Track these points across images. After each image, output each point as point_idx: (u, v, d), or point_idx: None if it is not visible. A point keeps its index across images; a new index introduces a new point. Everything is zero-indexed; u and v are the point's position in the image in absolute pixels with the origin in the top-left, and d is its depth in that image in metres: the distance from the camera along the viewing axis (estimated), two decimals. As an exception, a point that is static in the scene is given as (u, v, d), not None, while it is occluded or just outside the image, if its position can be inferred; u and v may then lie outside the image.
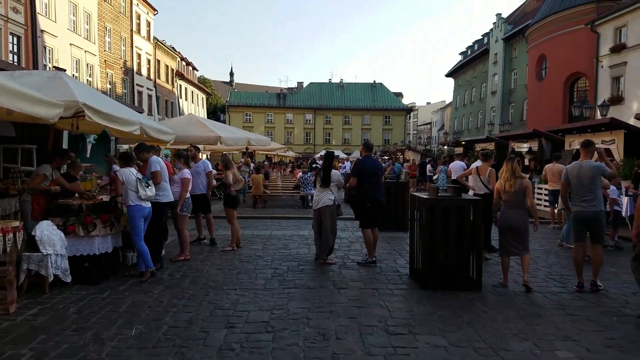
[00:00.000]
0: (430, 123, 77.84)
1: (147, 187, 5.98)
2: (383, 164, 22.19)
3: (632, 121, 14.08)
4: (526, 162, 17.78)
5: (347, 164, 25.95)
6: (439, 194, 6.00)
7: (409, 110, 67.22)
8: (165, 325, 4.46)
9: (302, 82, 68.77)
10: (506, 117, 37.31)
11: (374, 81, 67.49)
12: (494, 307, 5.20)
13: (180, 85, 44.72)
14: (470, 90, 48.28)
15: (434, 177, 17.25)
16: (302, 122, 64.09)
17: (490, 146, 20.68)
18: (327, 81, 68.30)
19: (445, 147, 29.11)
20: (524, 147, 18.16)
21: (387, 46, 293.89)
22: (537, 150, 16.89)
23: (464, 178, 8.15)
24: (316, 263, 7.11)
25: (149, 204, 6.07)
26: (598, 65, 25.66)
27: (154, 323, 4.52)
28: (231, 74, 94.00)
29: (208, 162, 8.50)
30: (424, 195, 6.17)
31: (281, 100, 64.71)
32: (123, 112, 6.75)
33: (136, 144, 6.99)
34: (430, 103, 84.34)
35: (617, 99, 23.65)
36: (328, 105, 64.06)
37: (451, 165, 13.65)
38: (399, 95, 69.69)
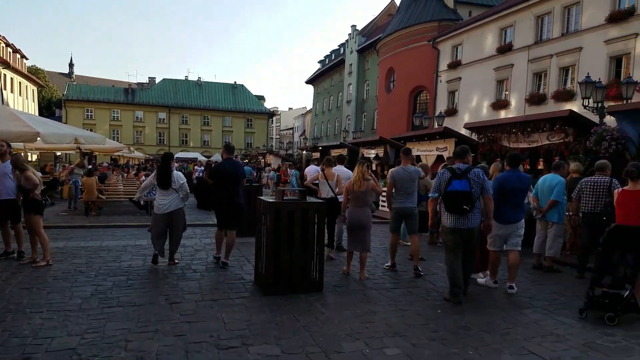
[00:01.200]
0: (292, 128, 79.58)
1: None
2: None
3: (463, 131, 15.78)
4: (374, 167, 18.98)
5: (207, 167, 24.89)
6: (284, 198, 5.88)
7: (271, 114, 67.68)
8: None
9: (155, 78, 64.52)
10: (360, 125, 39.72)
11: (235, 82, 66.19)
12: (332, 307, 5.17)
13: (5, 75, 38.69)
14: (329, 98, 50.48)
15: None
16: (155, 120, 59.75)
17: (344, 152, 21.65)
18: (184, 78, 64.83)
19: (304, 152, 29.81)
20: (372, 153, 19.33)
21: (248, 47, 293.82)
22: (383, 156, 18.11)
23: (313, 183, 8.42)
24: (150, 275, 6.42)
25: None
26: (437, 80, 28.67)
27: None
28: (70, 65, 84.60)
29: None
30: (269, 199, 6.01)
31: (130, 96, 59.45)
32: None
33: None
34: (292, 108, 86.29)
35: (452, 111, 26.66)
36: (184, 104, 60.74)
37: (307, 169, 13.89)
38: (261, 98, 69.80)
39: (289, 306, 5.15)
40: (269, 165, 29.51)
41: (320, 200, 6.08)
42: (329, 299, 5.52)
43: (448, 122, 23.37)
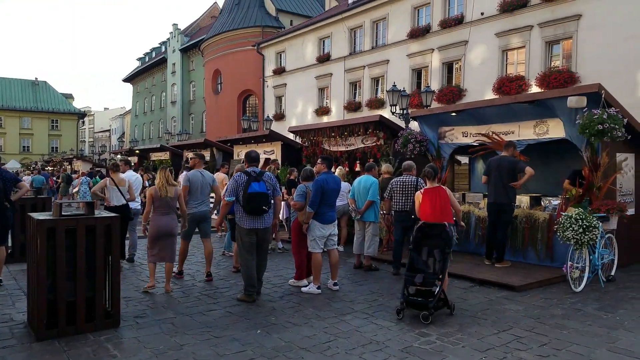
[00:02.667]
0: (109, 130, 72.39)
1: None
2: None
3: (291, 136, 15.83)
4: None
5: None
6: (63, 213, 4.67)
7: (82, 114, 60.15)
8: None
9: None
10: (187, 128, 37.81)
11: (36, 78, 57.19)
12: (128, 347, 4.22)
13: None
14: (150, 98, 47.13)
15: (74, 191, 15.10)
16: None
17: (165, 155, 20.05)
18: (-31, 73, 53.89)
19: (119, 156, 26.88)
20: (197, 156, 18.27)
21: (54, 40, 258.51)
22: (210, 160, 17.23)
23: (100, 191, 7.67)
24: None
25: None
26: (265, 85, 28.75)
27: None
28: None
29: None
30: (41, 215, 4.71)
31: None
32: None
33: None
34: (108, 109, 78.51)
35: (280, 116, 26.98)
36: (-30, 103, 50.32)
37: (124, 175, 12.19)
38: (69, 97, 61.63)
39: (69, 352, 4.04)
40: (76, 172, 25.79)
41: (113, 215, 5.01)
42: (126, 335, 4.52)
43: (277, 127, 23.49)
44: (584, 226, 5.72)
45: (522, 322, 4.81)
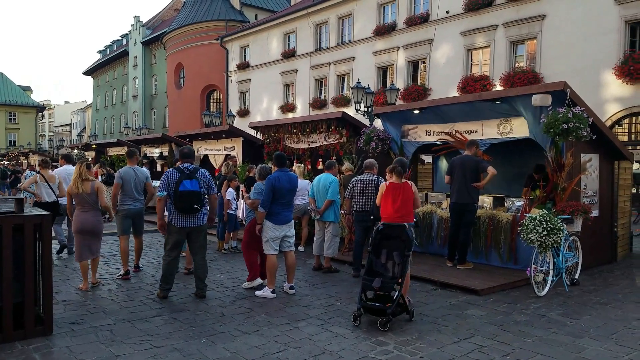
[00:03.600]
0: (70, 124, 69.73)
1: None
2: None
3: (253, 132, 15.36)
4: (158, 168, 17.20)
5: None
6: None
7: (41, 108, 57.55)
8: None
9: None
10: (148, 122, 36.64)
11: (-7, 70, 54.42)
12: (56, 358, 3.80)
13: None
14: (112, 92, 45.57)
15: (19, 186, 14.38)
16: None
17: (122, 151, 19.15)
18: None
19: (76, 150, 25.71)
20: (155, 152, 17.52)
21: (10, 30, 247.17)
22: (168, 155, 16.54)
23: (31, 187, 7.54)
24: None
25: None
26: (228, 80, 28.07)
27: None
28: None
29: None
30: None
31: None
32: None
33: None
34: (69, 102, 75.61)
35: (244, 112, 26.38)
36: None
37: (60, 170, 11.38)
38: (27, 89, 58.91)
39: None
40: (31, 166, 24.50)
41: (44, 213, 4.52)
42: (58, 344, 4.09)
43: (242, 123, 22.91)
44: (548, 228, 5.55)
45: (485, 329, 4.59)
